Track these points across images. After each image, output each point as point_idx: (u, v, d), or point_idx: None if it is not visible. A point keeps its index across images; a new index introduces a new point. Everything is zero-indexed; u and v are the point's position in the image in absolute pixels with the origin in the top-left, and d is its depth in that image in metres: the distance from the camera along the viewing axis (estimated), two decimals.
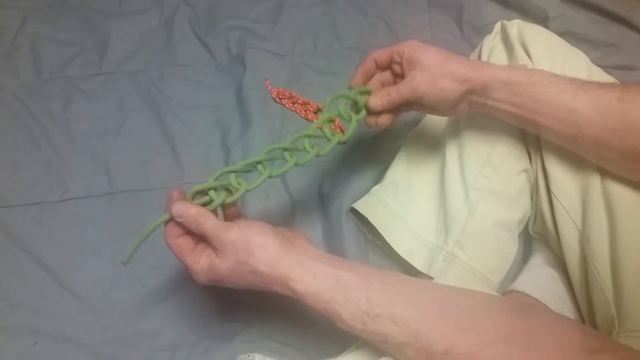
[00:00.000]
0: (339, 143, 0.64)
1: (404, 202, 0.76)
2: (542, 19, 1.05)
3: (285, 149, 0.61)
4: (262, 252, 0.52)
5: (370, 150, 0.91)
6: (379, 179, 0.84)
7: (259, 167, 0.60)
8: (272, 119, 0.96)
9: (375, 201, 0.78)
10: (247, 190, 0.58)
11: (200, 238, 0.55)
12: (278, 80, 1.02)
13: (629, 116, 0.54)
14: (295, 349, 0.71)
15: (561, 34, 0.74)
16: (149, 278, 0.78)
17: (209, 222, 0.53)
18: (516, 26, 0.72)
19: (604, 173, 0.60)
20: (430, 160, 0.76)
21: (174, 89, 1.01)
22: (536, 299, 0.69)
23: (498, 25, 0.75)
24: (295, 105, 0.98)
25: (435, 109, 0.65)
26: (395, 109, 0.67)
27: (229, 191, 0.59)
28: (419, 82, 0.61)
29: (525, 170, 0.69)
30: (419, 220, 0.73)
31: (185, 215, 0.54)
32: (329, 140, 0.64)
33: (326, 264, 0.52)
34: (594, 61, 0.72)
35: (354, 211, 0.81)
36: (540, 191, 0.67)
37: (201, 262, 0.54)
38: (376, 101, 0.65)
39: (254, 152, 0.89)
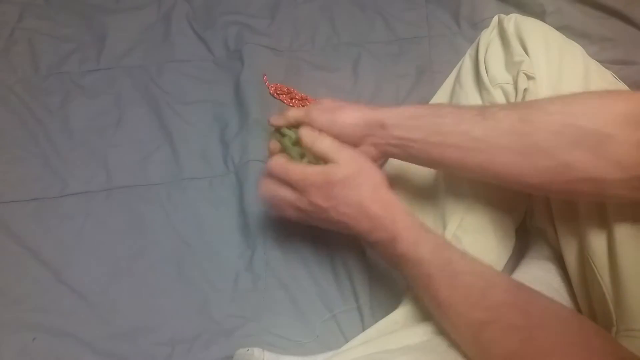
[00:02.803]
0: None
1: (402, 197, 0.76)
2: (539, 14, 1.05)
3: None
4: (361, 188, 0.58)
5: None
6: None
7: None
8: (270, 115, 0.95)
9: None
10: None
11: None
12: (276, 76, 1.02)
13: (536, 138, 0.53)
14: (294, 343, 0.71)
15: (558, 28, 0.74)
16: (148, 273, 0.78)
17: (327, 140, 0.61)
18: (513, 20, 0.72)
19: None
20: None
21: (172, 84, 1.01)
22: None
23: (495, 20, 0.75)
24: (293, 100, 0.98)
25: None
26: None
27: None
28: (311, 108, 0.64)
29: None
30: (416, 215, 0.74)
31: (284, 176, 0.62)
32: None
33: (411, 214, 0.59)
34: (591, 56, 0.72)
35: None
36: None
37: (313, 168, 0.60)
38: (275, 118, 0.69)
39: (252, 147, 0.90)
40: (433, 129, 0.58)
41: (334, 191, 0.58)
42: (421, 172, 0.76)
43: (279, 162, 0.62)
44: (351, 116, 0.62)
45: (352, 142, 0.63)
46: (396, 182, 0.77)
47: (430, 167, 0.66)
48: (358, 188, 0.58)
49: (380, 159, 0.66)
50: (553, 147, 0.52)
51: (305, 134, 0.63)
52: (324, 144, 0.60)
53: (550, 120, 0.52)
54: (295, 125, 0.67)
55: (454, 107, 0.60)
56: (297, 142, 0.65)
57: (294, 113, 0.65)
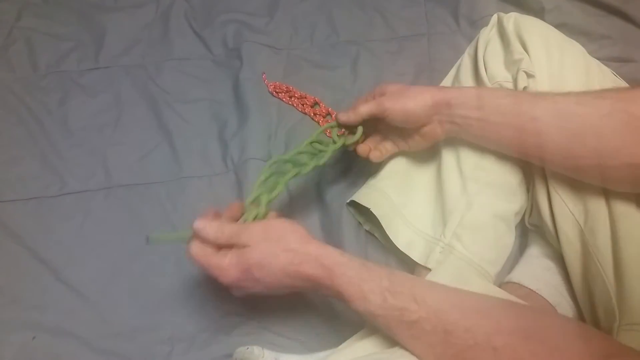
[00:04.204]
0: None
1: (402, 194, 0.76)
2: (538, 11, 1.05)
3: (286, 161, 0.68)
4: (293, 234, 0.56)
5: None
6: (377, 170, 0.84)
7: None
8: (269, 113, 0.96)
9: (376, 193, 0.78)
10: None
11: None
12: (275, 74, 1.02)
13: (589, 119, 0.55)
14: (293, 341, 0.71)
15: (557, 26, 0.74)
16: (148, 272, 0.78)
17: (232, 226, 0.58)
18: (513, 19, 0.72)
19: None
20: (428, 153, 0.76)
21: (170, 83, 1.01)
22: (532, 290, 0.69)
23: (494, 18, 0.75)
24: (292, 99, 0.98)
25: (404, 128, 0.68)
26: (375, 136, 0.74)
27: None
28: (384, 99, 0.66)
29: (522, 163, 0.70)
30: (417, 212, 0.74)
31: (207, 228, 0.57)
32: (334, 142, 0.72)
33: (352, 255, 0.56)
34: (590, 53, 0.72)
35: (351, 201, 0.81)
36: (537, 183, 0.68)
37: (229, 257, 0.56)
38: (344, 115, 0.69)
39: (251, 145, 0.90)
40: (494, 109, 0.61)
41: (255, 274, 0.55)
42: (422, 170, 0.76)
43: (199, 254, 0.58)
44: (421, 98, 0.64)
45: (421, 122, 0.66)
46: (398, 180, 0.77)
47: (488, 146, 0.67)
48: (277, 259, 0.55)
49: (442, 137, 0.68)
50: (602, 129, 0.54)
51: (204, 231, 0.58)
52: (225, 233, 0.57)
53: (602, 104, 0.55)
54: (352, 127, 0.71)
55: (514, 90, 0.63)
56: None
57: (366, 109, 0.67)
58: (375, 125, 0.74)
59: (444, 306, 0.50)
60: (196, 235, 0.58)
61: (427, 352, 0.50)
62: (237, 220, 0.63)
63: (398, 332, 0.52)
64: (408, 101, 0.65)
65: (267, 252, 0.55)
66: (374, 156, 0.73)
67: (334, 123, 0.73)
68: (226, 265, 0.56)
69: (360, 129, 0.71)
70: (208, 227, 0.57)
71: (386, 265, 0.57)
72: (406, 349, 0.52)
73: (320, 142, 0.72)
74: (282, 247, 0.55)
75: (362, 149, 0.73)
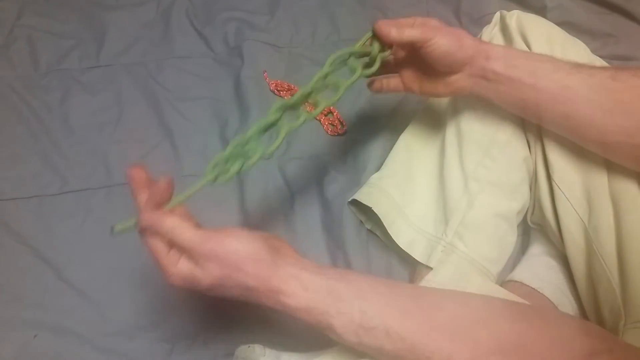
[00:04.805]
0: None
1: (404, 192, 0.76)
2: (540, 9, 1.04)
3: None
4: (254, 266, 0.47)
5: (369, 140, 0.91)
6: (378, 168, 0.84)
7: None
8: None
9: (378, 191, 0.77)
10: (262, 156, 0.57)
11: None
12: (276, 72, 1.01)
13: (622, 95, 0.54)
14: (295, 340, 0.71)
15: (559, 24, 0.74)
16: (149, 270, 0.78)
17: (187, 234, 0.48)
18: (515, 17, 0.71)
19: (608, 161, 0.60)
20: (430, 150, 0.76)
21: (171, 81, 1.01)
22: (534, 289, 0.69)
23: (497, 16, 0.75)
24: None
25: (430, 68, 0.62)
26: (401, 68, 0.66)
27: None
28: (429, 29, 0.59)
29: (524, 160, 0.69)
30: (419, 211, 0.74)
31: (157, 227, 0.49)
32: (352, 72, 0.63)
33: (317, 274, 0.49)
34: (592, 52, 0.71)
35: (352, 200, 0.81)
36: (540, 180, 0.67)
37: (179, 266, 0.48)
38: (386, 27, 0.60)
39: None
40: (529, 70, 0.59)
41: (200, 291, 0.49)
42: (423, 169, 0.76)
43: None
44: (466, 43, 0.60)
45: (453, 68, 0.61)
46: (399, 179, 0.77)
47: (513, 111, 0.65)
48: (231, 291, 0.49)
49: (466, 92, 0.64)
50: (635, 109, 0.54)
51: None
52: (183, 239, 0.48)
53: (638, 83, 0.54)
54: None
55: (554, 57, 0.60)
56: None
57: (410, 34, 0.59)
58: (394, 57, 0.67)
59: (419, 336, 0.47)
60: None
61: None
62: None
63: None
64: (453, 40, 0.59)
65: (218, 283, 0.48)
66: (375, 87, 0.68)
67: (368, 35, 0.62)
68: (173, 274, 0.49)
69: (379, 60, 0.62)
70: (160, 230, 0.49)
71: (357, 281, 0.50)
72: None
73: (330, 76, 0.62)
74: (236, 282, 0.48)
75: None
